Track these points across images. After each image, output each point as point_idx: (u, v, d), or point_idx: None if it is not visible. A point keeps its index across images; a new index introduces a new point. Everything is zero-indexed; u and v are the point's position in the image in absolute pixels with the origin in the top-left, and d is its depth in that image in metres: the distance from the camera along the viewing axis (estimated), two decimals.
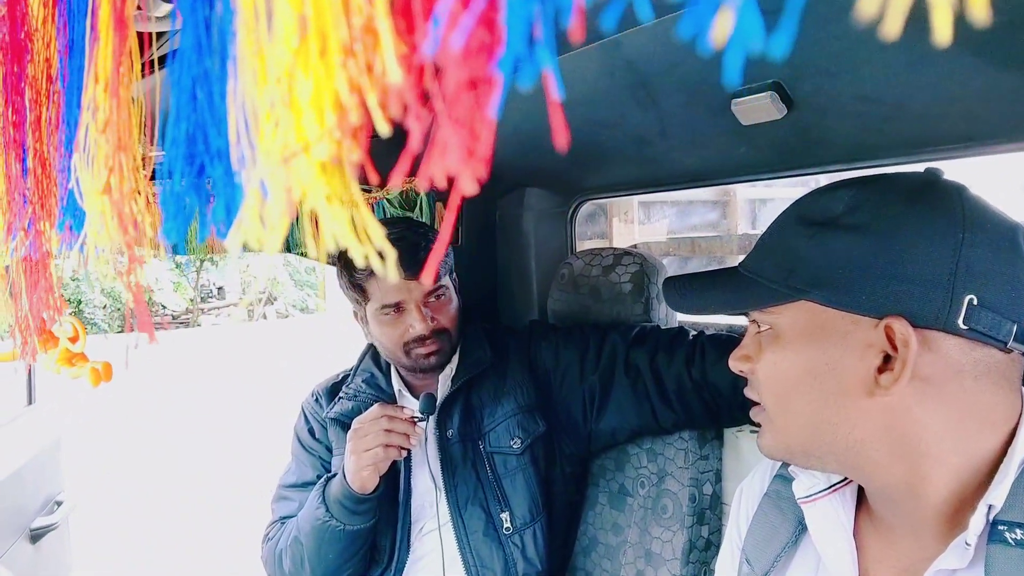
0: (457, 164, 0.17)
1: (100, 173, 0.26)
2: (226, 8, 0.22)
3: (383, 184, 1.47)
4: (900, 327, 0.55)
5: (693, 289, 0.73)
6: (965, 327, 0.54)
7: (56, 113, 0.34)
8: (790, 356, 0.62)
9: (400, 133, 0.20)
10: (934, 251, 0.55)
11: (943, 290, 0.54)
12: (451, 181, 0.18)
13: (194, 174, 0.23)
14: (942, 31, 0.16)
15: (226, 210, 0.22)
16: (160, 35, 0.44)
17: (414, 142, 0.18)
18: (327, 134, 0.19)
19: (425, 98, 0.18)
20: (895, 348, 0.56)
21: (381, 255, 0.19)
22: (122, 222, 0.26)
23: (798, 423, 0.62)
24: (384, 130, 0.19)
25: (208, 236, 0.22)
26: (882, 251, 0.56)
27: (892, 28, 0.16)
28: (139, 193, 0.27)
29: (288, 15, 0.19)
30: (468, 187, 0.18)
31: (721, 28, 0.17)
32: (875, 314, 0.56)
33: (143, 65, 0.30)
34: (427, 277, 1.15)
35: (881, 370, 0.57)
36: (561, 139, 0.20)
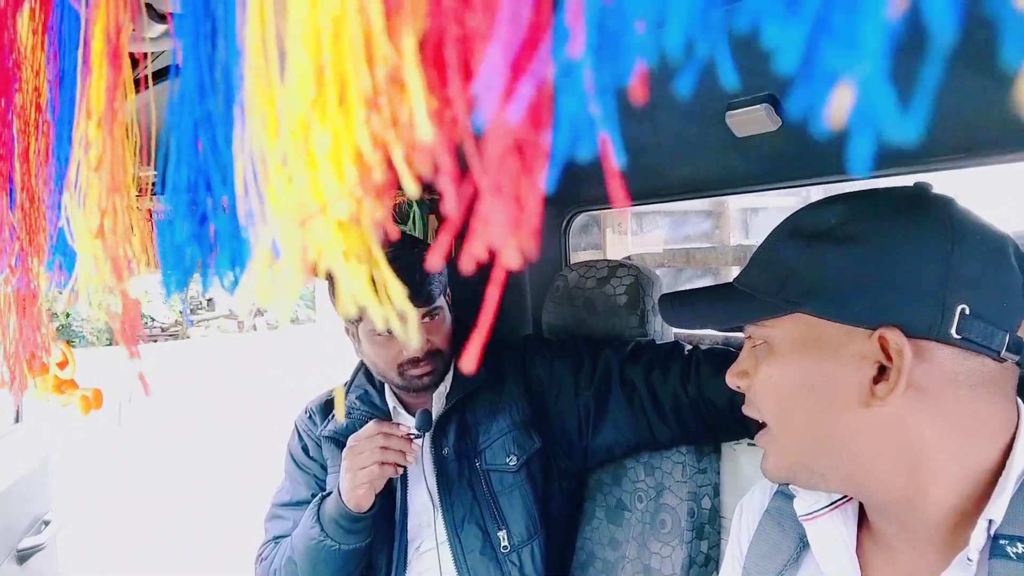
0: (501, 238, 0.16)
1: (92, 214, 0.25)
2: (231, 48, 0.20)
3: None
4: (894, 337, 0.55)
5: (689, 304, 0.74)
6: (958, 336, 0.54)
7: (45, 145, 0.32)
8: (785, 369, 0.62)
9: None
10: (925, 261, 0.55)
11: (935, 300, 0.54)
12: (494, 253, 0.17)
13: (196, 223, 0.22)
14: None
15: (231, 263, 0.20)
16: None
17: (450, 207, 0.17)
18: (347, 192, 0.18)
19: (459, 157, 0.17)
20: (889, 358, 0.56)
21: (402, 317, 0.18)
22: (116, 267, 0.25)
23: (798, 437, 0.62)
24: (413, 191, 0.18)
25: (211, 288, 0.21)
26: (874, 262, 0.57)
27: None
28: (134, 233, 0.25)
29: (303, 61, 0.18)
30: (512, 262, 0.16)
31: (839, 107, 0.15)
32: (868, 325, 0.57)
33: (135, 82, 0.29)
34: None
35: (876, 381, 0.57)
36: (620, 199, 0.18)
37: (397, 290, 0.18)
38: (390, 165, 0.18)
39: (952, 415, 0.56)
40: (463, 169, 0.17)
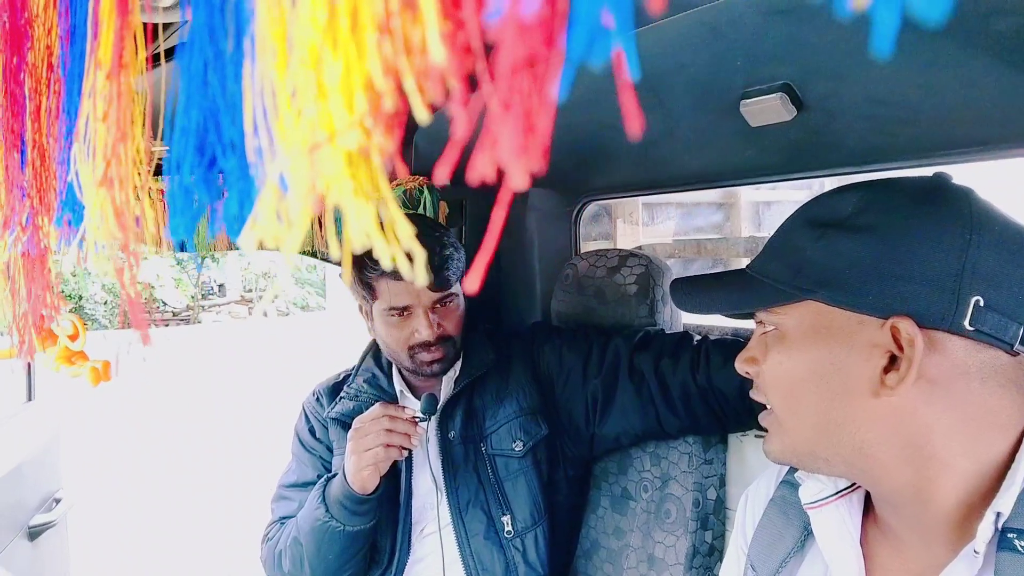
0: (509, 156, 0.16)
1: (99, 164, 0.25)
2: None
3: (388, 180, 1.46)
4: (906, 326, 0.55)
5: (700, 289, 0.74)
6: (971, 328, 0.54)
7: (56, 103, 0.32)
8: (796, 356, 0.62)
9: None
10: (941, 252, 0.55)
11: (949, 291, 0.54)
12: (500, 174, 0.16)
13: (204, 167, 0.21)
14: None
15: (239, 206, 0.20)
16: (167, 26, 0.43)
17: (459, 130, 0.16)
18: (357, 122, 0.18)
19: (471, 82, 0.17)
20: (901, 348, 0.56)
21: (409, 256, 0.18)
22: (121, 217, 0.24)
23: (805, 424, 0.62)
24: (424, 117, 0.17)
25: (219, 232, 0.21)
26: (889, 251, 0.56)
27: None
28: (141, 187, 0.25)
29: None
30: (519, 181, 0.16)
31: None
32: (881, 314, 0.56)
33: (148, 58, 0.29)
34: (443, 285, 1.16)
35: (887, 370, 0.57)
36: (635, 125, 0.18)
37: (405, 228, 0.18)
38: (401, 93, 0.18)
39: (962, 407, 0.56)
40: (474, 93, 0.17)
